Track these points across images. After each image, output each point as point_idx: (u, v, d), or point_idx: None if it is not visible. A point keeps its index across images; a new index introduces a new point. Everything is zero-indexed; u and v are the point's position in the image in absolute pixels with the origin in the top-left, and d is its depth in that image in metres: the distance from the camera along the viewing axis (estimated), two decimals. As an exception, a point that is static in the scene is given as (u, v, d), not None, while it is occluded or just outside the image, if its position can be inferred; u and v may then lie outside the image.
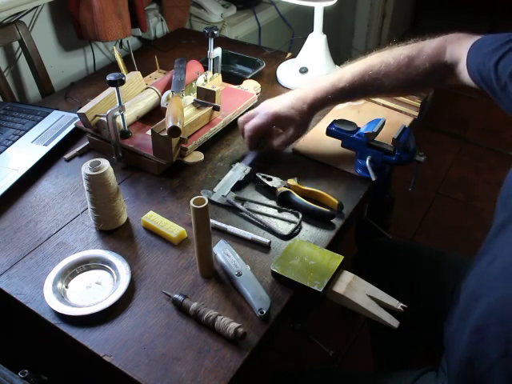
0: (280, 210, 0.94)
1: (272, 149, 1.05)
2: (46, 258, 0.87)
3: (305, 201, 0.93)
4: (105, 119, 1.00)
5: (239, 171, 1.01)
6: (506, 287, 0.68)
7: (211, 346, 0.72)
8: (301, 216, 0.91)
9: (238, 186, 0.99)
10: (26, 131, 1.14)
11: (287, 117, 1.00)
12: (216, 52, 1.19)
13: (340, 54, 2.90)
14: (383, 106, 1.22)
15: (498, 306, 0.68)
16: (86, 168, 0.84)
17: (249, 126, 1.02)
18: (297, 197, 0.94)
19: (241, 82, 1.26)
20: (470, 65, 0.87)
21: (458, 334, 0.77)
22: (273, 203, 0.96)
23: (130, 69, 1.22)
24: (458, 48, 0.90)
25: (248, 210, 0.93)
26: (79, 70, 1.58)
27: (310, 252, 0.83)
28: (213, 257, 0.83)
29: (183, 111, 1.01)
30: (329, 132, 1.03)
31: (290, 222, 0.92)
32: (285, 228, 0.90)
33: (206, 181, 1.02)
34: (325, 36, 1.31)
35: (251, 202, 0.95)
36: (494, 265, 0.73)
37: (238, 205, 0.93)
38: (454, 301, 0.84)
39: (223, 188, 0.97)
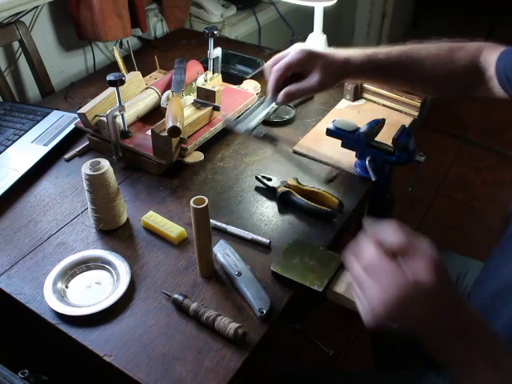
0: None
1: (283, 95, 0.91)
2: (46, 257, 0.87)
3: (305, 200, 0.93)
4: (105, 119, 1.00)
5: (266, 107, 0.92)
6: None
7: (211, 346, 0.72)
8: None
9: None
10: (26, 131, 1.14)
11: (322, 60, 0.89)
12: (216, 52, 1.19)
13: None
14: (383, 106, 1.22)
15: None
16: (86, 168, 0.84)
17: (279, 65, 0.90)
18: (297, 197, 0.94)
19: (241, 82, 1.26)
20: (498, 67, 0.85)
21: None
22: (273, 203, 0.96)
23: (130, 69, 1.22)
24: (492, 54, 0.88)
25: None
26: (79, 70, 1.58)
27: (310, 252, 0.83)
28: (213, 257, 0.83)
29: (183, 111, 1.02)
30: (329, 132, 1.03)
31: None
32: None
33: (206, 181, 1.02)
34: (325, 36, 1.31)
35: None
36: None
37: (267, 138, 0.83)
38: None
39: (250, 119, 0.89)
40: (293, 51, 0.90)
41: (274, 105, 0.92)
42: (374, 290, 0.51)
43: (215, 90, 1.07)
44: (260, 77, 1.35)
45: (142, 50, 1.59)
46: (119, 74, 0.95)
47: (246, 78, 1.30)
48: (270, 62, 0.94)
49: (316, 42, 1.31)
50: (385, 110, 1.21)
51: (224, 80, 1.24)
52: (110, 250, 0.87)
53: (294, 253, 0.82)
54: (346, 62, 0.90)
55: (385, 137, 0.97)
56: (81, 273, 0.83)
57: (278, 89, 0.92)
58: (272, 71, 0.92)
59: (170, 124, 0.93)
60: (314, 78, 0.90)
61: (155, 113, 1.14)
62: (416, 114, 1.18)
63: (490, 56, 0.89)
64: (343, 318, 1.67)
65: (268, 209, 0.95)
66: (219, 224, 0.90)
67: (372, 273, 0.52)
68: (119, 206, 0.89)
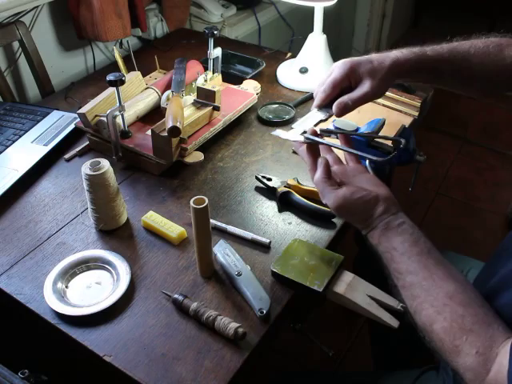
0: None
1: (336, 107, 0.85)
2: (46, 257, 0.87)
3: (305, 200, 0.93)
4: (105, 119, 1.00)
5: (322, 112, 0.87)
6: None
7: (211, 346, 0.72)
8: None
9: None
10: (26, 131, 1.14)
11: (366, 68, 0.84)
12: (216, 52, 1.19)
13: (340, 54, 2.90)
14: (383, 106, 1.22)
15: None
16: (86, 168, 0.84)
17: (324, 87, 0.85)
18: (297, 196, 0.94)
19: (241, 82, 1.26)
20: None
21: None
22: (273, 203, 0.96)
23: (130, 69, 1.22)
24: None
25: (335, 144, 0.82)
26: (79, 69, 1.58)
27: (310, 252, 0.83)
28: (213, 257, 0.83)
29: (183, 111, 1.02)
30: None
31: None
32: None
33: (206, 181, 1.02)
34: (325, 36, 1.31)
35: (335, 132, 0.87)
36: None
37: (318, 139, 0.81)
38: None
39: (303, 125, 0.85)
40: (335, 67, 0.85)
41: (328, 112, 0.87)
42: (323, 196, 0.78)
43: (215, 89, 1.07)
44: (260, 77, 1.36)
45: (142, 50, 1.59)
46: (119, 74, 0.95)
47: (246, 78, 1.30)
48: (317, 84, 0.88)
49: (316, 42, 1.30)
50: (385, 110, 1.20)
51: (224, 80, 1.24)
52: (110, 249, 0.87)
53: (294, 253, 0.82)
54: (395, 62, 0.84)
55: (385, 137, 0.97)
56: (81, 273, 0.83)
57: (325, 101, 0.86)
58: (317, 93, 0.86)
59: (169, 124, 0.93)
60: (365, 86, 0.84)
61: (155, 113, 1.13)
62: (416, 114, 1.18)
63: None
64: (343, 318, 1.68)
65: (268, 209, 0.95)
66: (219, 224, 0.90)
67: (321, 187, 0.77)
68: (119, 205, 0.89)
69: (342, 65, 0.85)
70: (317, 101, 0.86)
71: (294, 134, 0.84)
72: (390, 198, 0.76)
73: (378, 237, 0.72)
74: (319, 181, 0.76)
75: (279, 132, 0.86)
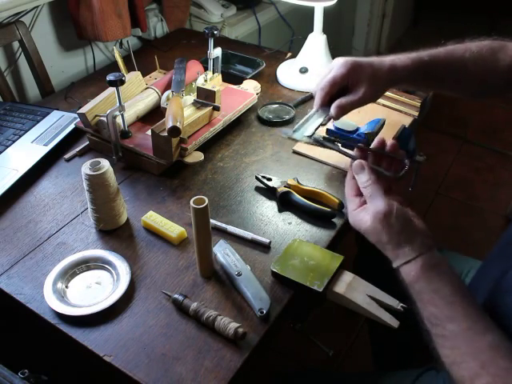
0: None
1: (335, 109, 0.88)
2: (46, 257, 0.87)
3: (305, 200, 0.93)
4: (105, 119, 1.00)
5: (320, 115, 0.90)
6: None
7: (211, 346, 0.72)
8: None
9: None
10: (26, 131, 1.14)
11: (366, 70, 0.85)
12: (216, 52, 1.19)
13: (340, 53, 2.90)
14: (383, 106, 1.22)
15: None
16: (86, 168, 0.84)
17: (323, 83, 0.87)
18: (297, 196, 0.94)
19: (241, 82, 1.26)
20: None
21: None
22: (273, 203, 0.96)
23: (130, 69, 1.22)
24: None
25: (340, 149, 0.84)
26: (79, 69, 1.58)
27: (310, 252, 0.83)
28: (213, 257, 0.83)
29: (183, 111, 1.02)
30: (329, 132, 1.02)
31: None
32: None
33: (206, 181, 1.02)
34: (325, 36, 1.31)
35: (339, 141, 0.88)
36: (507, 277, 0.70)
37: (328, 143, 0.84)
38: None
39: (305, 128, 0.88)
40: (336, 65, 0.87)
41: (327, 115, 0.90)
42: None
43: (215, 89, 1.07)
44: (260, 77, 1.36)
45: (142, 50, 1.59)
46: (119, 74, 0.95)
47: (246, 78, 1.30)
48: (317, 81, 0.90)
49: (316, 42, 1.30)
50: (385, 110, 1.20)
51: (224, 80, 1.24)
52: (110, 249, 0.87)
53: (294, 253, 0.82)
54: (392, 69, 0.86)
55: (385, 137, 0.97)
56: (81, 273, 0.83)
57: (325, 101, 0.88)
58: (317, 90, 0.88)
59: (169, 124, 0.93)
60: (362, 89, 0.86)
61: (155, 113, 1.13)
62: (416, 114, 1.18)
63: None
64: (343, 317, 1.68)
65: (268, 209, 0.95)
66: (219, 224, 0.90)
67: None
68: (119, 205, 0.89)
69: (343, 64, 0.85)
70: (317, 99, 0.87)
71: (301, 135, 0.85)
72: (428, 231, 0.71)
73: (416, 274, 0.65)
74: (371, 181, 0.71)
75: (287, 131, 0.87)
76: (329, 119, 0.89)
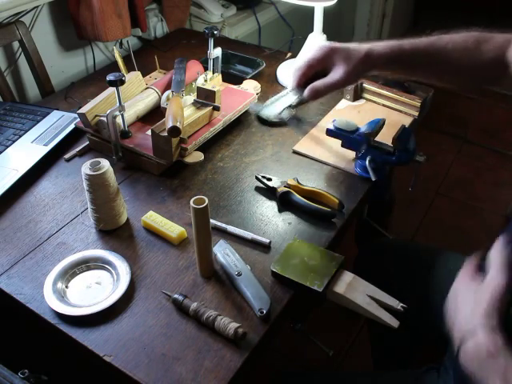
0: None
1: (309, 91, 0.90)
2: (46, 257, 0.87)
3: (305, 200, 0.93)
4: (105, 119, 1.00)
5: (292, 96, 0.92)
6: None
7: (211, 346, 0.72)
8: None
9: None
10: (26, 131, 1.14)
11: (343, 54, 0.88)
12: (216, 52, 1.19)
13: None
14: (383, 106, 1.22)
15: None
16: (86, 168, 0.84)
17: (300, 64, 0.90)
18: (297, 196, 0.94)
19: (241, 82, 1.26)
20: None
21: None
22: (273, 203, 0.96)
23: (130, 69, 1.22)
24: None
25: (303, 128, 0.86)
26: (79, 70, 1.58)
27: (310, 252, 0.83)
28: (213, 257, 0.83)
29: (183, 111, 1.01)
30: (329, 132, 1.03)
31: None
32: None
33: (206, 181, 1.02)
34: (325, 36, 1.31)
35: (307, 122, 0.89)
36: None
37: (292, 121, 0.85)
38: None
39: (274, 106, 0.90)
40: (314, 50, 0.89)
41: (299, 96, 0.92)
42: None
43: (215, 89, 1.07)
44: (260, 77, 1.36)
45: (142, 50, 1.59)
46: (119, 74, 0.95)
47: (246, 78, 1.30)
48: (296, 65, 0.92)
49: (316, 42, 1.30)
50: (385, 110, 1.20)
51: (224, 80, 1.24)
52: (110, 249, 0.87)
53: (294, 253, 0.82)
54: (369, 54, 0.88)
55: (385, 137, 0.97)
56: (81, 273, 0.83)
57: (301, 86, 0.91)
58: (294, 71, 0.90)
59: (169, 124, 0.93)
60: (337, 73, 0.88)
61: (155, 113, 1.13)
62: (416, 113, 1.18)
63: None
64: (343, 318, 1.68)
65: (268, 209, 0.95)
66: (219, 224, 0.90)
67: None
68: (119, 206, 0.89)
69: (320, 48, 0.88)
70: (293, 80, 0.89)
71: (267, 112, 0.89)
72: None
73: None
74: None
75: (256, 107, 0.89)
76: (300, 101, 0.90)
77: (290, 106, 0.91)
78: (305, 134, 1.13)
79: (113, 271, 0.83)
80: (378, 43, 0.89)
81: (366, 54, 0.88)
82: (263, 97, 1.28)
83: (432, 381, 0.88)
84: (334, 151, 1.06)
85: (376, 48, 0.88)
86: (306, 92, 0.89)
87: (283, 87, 1.33)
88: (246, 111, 1.18)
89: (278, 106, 0.89)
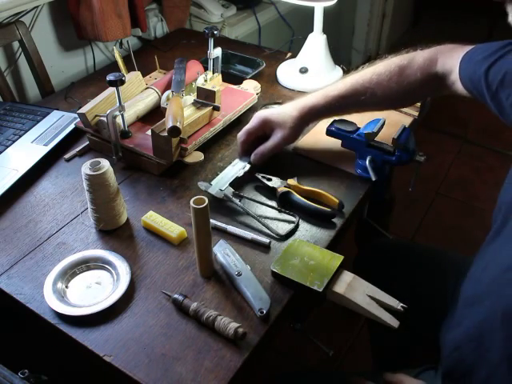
0: (280, 211, 0.94)
1: (254, 156, 1.01)
2: (46, 257, 0.87)
3: (305, 200, 0.93)
4: (105, 119, 1.00)
5: (238, 167, 1.00)
6: (497, 296, 0.68)
7: (211, 346, 0.72)
8: (298, 218, 0.91)
9: (237, 183, 0.98)
10: (26, 131, 1.14)
11: (276, 120, 0.99)
12: (216, 52, 1.19)
13: (340, 54, 2.90)
14: (383, 106, 1.22)
15: (491, 316, 0.68)
16: (86, 168, 0.84)
17: (240, 133, 1.02)
18: (297, 197, 0.94)
19: (241, 82, 1.26)
20: (462, 74, 0.87)
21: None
22: (273, 203, 0.96)
23: (130, 69, 1.22)
24: (450, 59, 0.90)
25: (244, 208, 0.92)
26: (79, 70, 1.58)
27: (310, 252, 0.83)
28: (213, 257, 0.83)
29: (183, 111, 1.02)
30: (329, 132, 1.03)
31: (290, 222, 0.92)
32: (284, 228, 0.90)
33: (206, 181, 1.02)
34: (325, 36, 1.31)
35: (249, 199, 0.95)
36: (486, 272, 0.73)
37: (236, 200, 0.93)
38: (453, 303, 0.84)
39: (221, 182, 0.97)
40: (251, 119, 1.01)
41: (247, 164, 1.01)
42: None
43: (215, 89, 1.07)
44: (260, 77, 1.36)
45: (142, 50, 1.59)
46: (119, 74, 0.95)
47: (246, 78, 1.30)
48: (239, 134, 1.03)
49: (316, 42, 1.30)
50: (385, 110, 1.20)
51: (224, 80, 1.24)
52: (110, 249, 0.87)
53: (294, 253, 0.82)
54: (303, 113, 0.98)
55: (385, 137, 0.97)
56: (81, 273, 0.83)
57: (246, 152, 1.02)
58: (237, 139, 1.03)
59: (169, 124, 0.93)
60: (276, 137, 0.99)
61: (155, 113, 1.14)
62: (416, 113, 1.18)
63: (450, 61, 0.90)
64: (343, 317, 1.68)
65: (268, 209, 0.95)
66: (219, 224, 0.90)
67: None
68: (119, 206, 0.89)
69: (256, 117, 1.01)
70: (239, 150, 1.02)
71: (214, 189, 0.95)
72: None
73: None
74: None
75: (203, 184, 0.96)
76: (251, 166, 1.00)
77: (237, 178, 0.98)
78: (305, 134, 1.13)
79: (113, 271, 0.83)
80: (305, 100, 1.00)
81: (301, 112, 0.98)
82: (263, 97, 1.28)
83: (430, 380, 0.88)
84: (334, 151, 1.06)
85: (307, 103, 0.99)
86: (253, 157, 1.00)
87: (283, 87, 1.33)
88: (246, 111, 1.18)
89: (223, 182, 0.96)
